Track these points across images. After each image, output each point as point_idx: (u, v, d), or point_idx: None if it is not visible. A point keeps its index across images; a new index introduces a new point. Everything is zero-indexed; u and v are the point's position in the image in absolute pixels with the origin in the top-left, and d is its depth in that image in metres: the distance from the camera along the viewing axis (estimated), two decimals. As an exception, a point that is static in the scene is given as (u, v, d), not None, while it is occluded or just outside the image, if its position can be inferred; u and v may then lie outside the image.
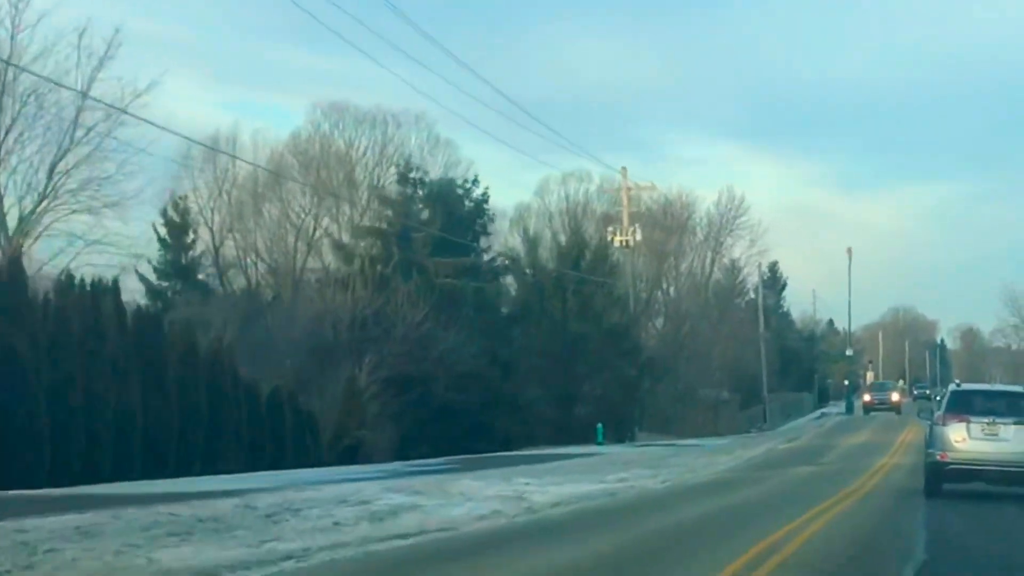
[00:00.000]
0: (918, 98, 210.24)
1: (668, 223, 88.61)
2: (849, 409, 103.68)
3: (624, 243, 59.55)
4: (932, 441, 25.54)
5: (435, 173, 54.24)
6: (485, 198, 53.16)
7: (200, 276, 55.58)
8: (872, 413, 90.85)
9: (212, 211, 61.18)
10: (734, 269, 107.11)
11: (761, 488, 27.70)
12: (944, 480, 25.35)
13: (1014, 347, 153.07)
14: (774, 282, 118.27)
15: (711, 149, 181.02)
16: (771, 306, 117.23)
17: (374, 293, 44.77)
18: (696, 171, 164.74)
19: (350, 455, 40.03)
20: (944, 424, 24.99)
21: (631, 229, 60.01)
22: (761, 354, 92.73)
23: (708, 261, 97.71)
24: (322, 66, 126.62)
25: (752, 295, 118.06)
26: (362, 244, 49.95)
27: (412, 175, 50.80)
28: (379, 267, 46.50)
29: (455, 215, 50.27)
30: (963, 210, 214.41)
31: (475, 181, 52.80)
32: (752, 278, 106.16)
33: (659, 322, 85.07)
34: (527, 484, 26.05)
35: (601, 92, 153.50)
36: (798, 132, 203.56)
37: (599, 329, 57.94)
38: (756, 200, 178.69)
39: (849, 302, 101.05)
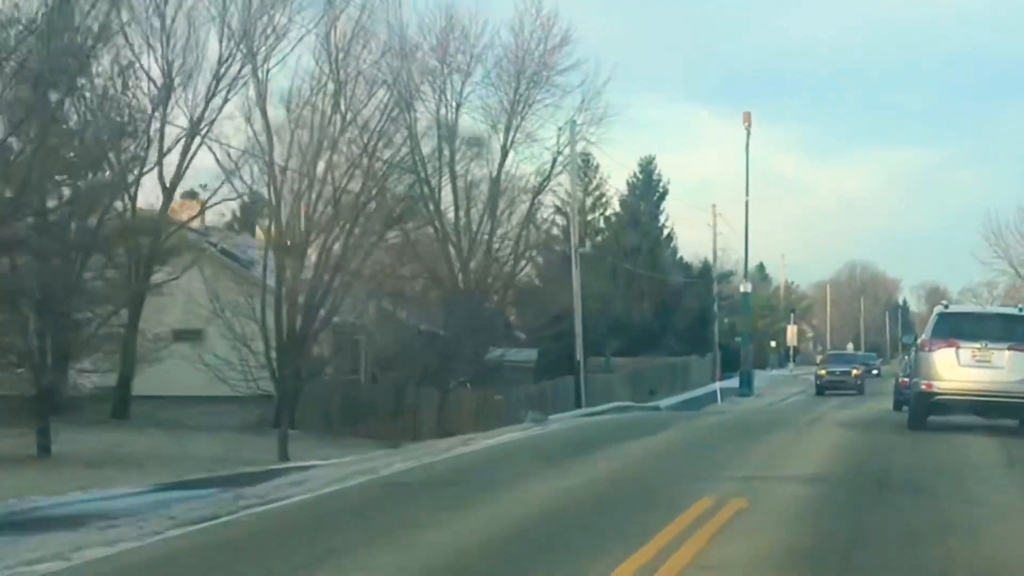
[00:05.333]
0: (884, 66, 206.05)
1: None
2: (745, 384, 63.89)
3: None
4: (916, 369, 24.19)
5: None
6: None
7: None
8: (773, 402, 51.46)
9: None
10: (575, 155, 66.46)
11: None
12: (930, 412, 23.64)
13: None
14: (648, 189, 77.90)
15: (676, 113, 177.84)
16: (645, 225, 77.04)
17: None
18: (660, 133, 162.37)
19: None
20: (930, 350, 23.28)
21: None
22: (574, 284, 52.40)
23: (502, 132, 57.17)
24: None
25: (618, 208, 78.17)
26: None
27: None
28: None
29: None
30: (930, 176, 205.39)
31: None
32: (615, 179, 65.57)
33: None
34: None
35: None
36: (764, 97, 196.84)
37: None
38: (722, 164, 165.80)
39: (747, 204, 61.77)
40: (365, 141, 40.12)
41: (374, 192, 40.69)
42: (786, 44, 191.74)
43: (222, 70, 39.84)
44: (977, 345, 22.80)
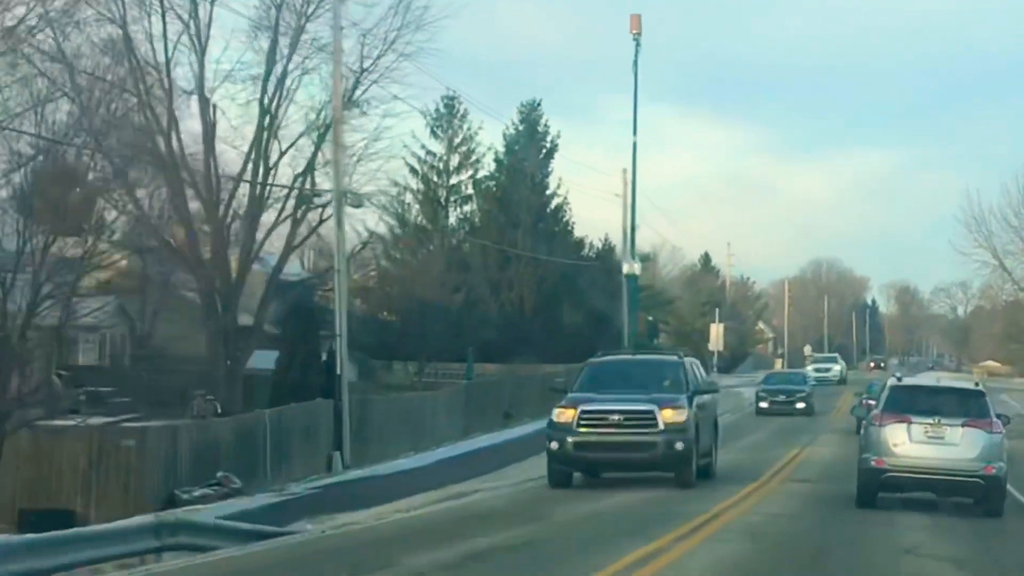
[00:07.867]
0: (855, 67, 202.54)
1: None
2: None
3: None
4: (867, 444, 22.59)
5: None
6: None
7: None
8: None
9: None
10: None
11: None
12: (880, 489, 22.39)
13: (960, 309, 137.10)
14: (532, 143, 59.95)
15: (646, 113, 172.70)
16: (526, 192, 59.45)
17: None
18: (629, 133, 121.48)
19: None
20: (881, 424, 22.10)
21: None
22: (335, 257, 34.57)
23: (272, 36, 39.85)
24: None
25: (494, 169, 60.48)
26: None
27: None
28: None
29: None
30: (899, 177, 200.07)
31: None
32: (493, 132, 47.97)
33: None
34: None
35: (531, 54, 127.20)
36: (736, 97, 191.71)
37: None
38: (693, 166, 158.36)
39: (635, 145, 46.05)
40: None
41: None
42: (756, 45, 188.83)
43: None
44: (930, 420, 21.72)
